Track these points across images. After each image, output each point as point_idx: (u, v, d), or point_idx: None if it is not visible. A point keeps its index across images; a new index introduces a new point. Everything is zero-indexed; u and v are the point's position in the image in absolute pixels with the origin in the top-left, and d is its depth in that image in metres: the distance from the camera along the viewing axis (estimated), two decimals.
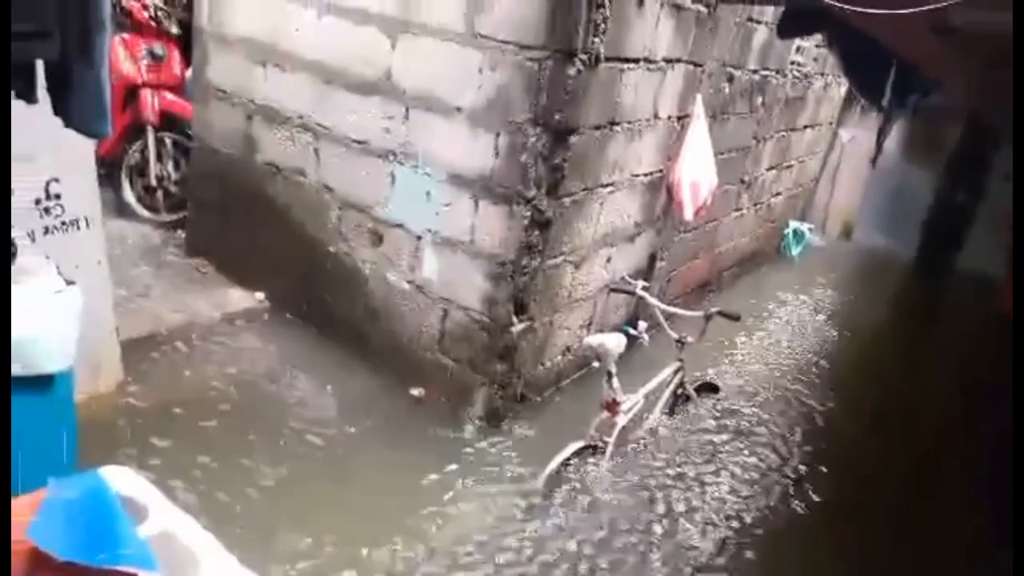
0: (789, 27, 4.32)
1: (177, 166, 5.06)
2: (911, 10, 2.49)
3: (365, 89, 3.73)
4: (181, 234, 4.95)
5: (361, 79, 3.73)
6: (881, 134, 8.20)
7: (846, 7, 2.72)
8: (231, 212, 4.53)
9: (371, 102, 3.72)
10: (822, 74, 6.68)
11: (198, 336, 3.98)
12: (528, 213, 3.38)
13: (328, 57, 3.83)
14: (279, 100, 4.10)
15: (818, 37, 5.72)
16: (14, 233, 2.17)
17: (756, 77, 5.20)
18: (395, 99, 3.64)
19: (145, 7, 4.99)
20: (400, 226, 3.80)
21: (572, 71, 3.19)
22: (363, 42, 3.67)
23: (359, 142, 3.83)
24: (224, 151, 4.47)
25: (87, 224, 2.93)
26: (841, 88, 7.45)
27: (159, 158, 5.01)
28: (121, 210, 4.99)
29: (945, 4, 2.40)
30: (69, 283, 2.12)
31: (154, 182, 5.02)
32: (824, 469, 4.07)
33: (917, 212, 8.27)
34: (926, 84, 5.64)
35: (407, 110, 3.61)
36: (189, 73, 4.92)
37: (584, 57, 3.22)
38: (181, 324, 4.01)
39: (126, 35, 4.93)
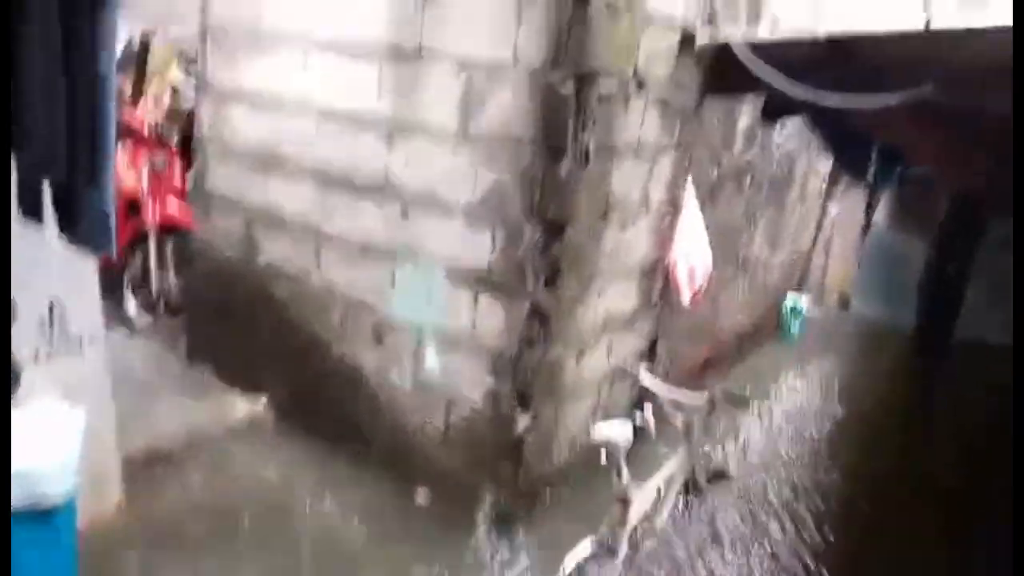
0: (771, 111, 4.49)
1: (179, 273, 5.11)
2: (879, 105, 2.58)
3: (364, 191, 3.81)
4: (184, 340, 4.95)
5: (360, 182, 3.82)
6: (869, 207, 8.32)
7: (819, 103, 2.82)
8: (232, 317, 4.54)
9: (370, 203, 3.80)
10: (807, 151, 6.85)
11: (198, 449, 3.90)
12: (527, 306, 3.40)
13: (327, 162, 3.93)
14: (279, 205, 4.19)
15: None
16: (18, 356, 2.17)
17: (743, 159, 5.33)
18: (394, 199, 3.72)
19: (147, 125, 5.13)
20: (402, 324, 3.81)
21: (563, 166, 3.28)
22: (361, 146, 3.77)
23: (360, 243, 3.88)
24: (225, 256, 4.53)
25: (90, 342, 2.93)
26: (828, 162, 7.62)
27: (161, 265, 5.07)
28: (123, 319, 5.01)
29: (915, 94, 2.50)
30: (72, 406, 2.11)
31: (155, 290, 5.05)
32: (836, 551, 3.96)
33: (911, 280, 8.33)
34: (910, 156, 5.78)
35: (406, 209, 3.68)
36: (190, 181, 5.02)
37: (574, 153, 3.31)
38: (181, 438, 3.94)
39: (128, 146, 5.06)
